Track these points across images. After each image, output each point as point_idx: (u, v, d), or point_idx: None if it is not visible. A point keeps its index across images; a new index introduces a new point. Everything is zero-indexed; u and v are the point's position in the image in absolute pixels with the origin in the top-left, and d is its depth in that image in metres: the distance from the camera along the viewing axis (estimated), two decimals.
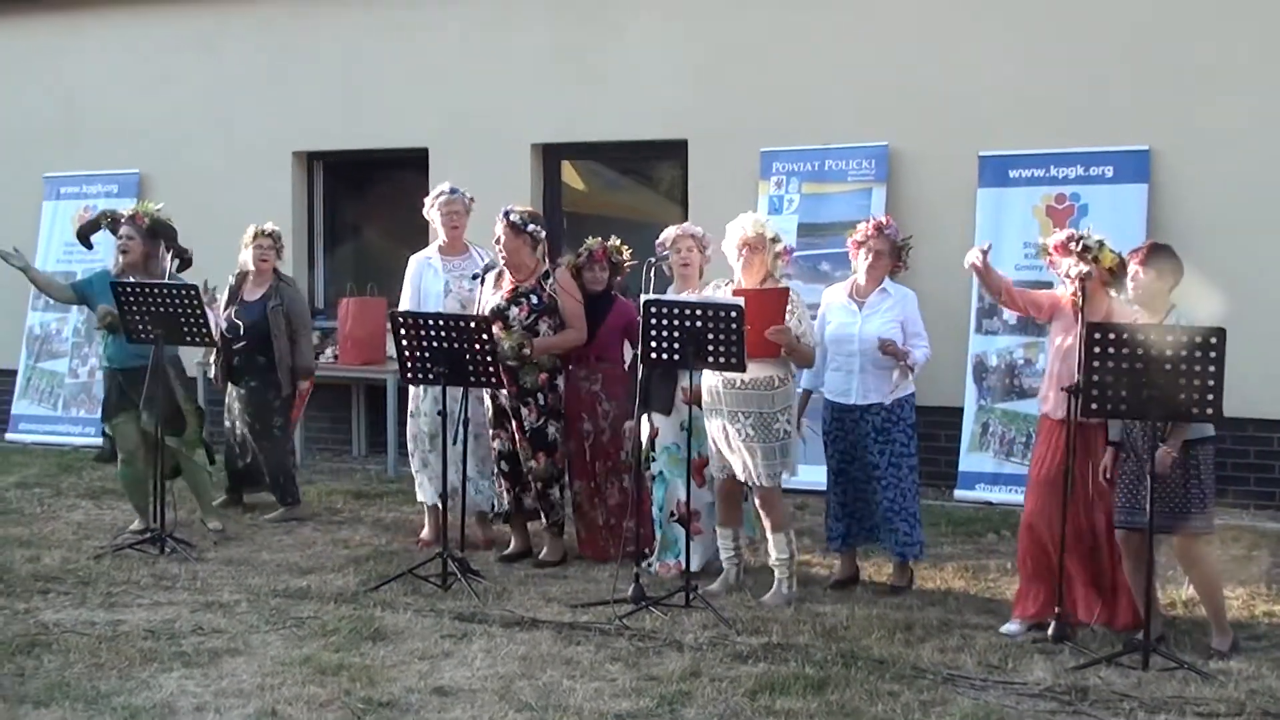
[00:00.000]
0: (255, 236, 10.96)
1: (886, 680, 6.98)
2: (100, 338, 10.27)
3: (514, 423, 9.50)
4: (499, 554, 9.76)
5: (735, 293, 8.51)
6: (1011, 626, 7.92)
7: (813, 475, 10.90)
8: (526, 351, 9.29)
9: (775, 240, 8.67)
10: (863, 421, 8.75)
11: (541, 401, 9.47)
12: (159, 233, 10.36)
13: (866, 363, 8.71)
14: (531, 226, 9.49)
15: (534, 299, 9.44)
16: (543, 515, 9.66)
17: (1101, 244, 7.87)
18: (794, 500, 11.00)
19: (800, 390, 9.03)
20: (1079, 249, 7.83)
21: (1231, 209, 11.02)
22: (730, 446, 8.58)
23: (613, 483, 9.58)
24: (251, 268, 10.97)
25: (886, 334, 8.65)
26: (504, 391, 9.38)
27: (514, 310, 9.40)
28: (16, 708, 6.48)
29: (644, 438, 8.82)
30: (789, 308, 8.46)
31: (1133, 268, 7.60)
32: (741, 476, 8.59)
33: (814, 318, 8.88)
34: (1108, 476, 7.67)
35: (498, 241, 9.48)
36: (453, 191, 10.19)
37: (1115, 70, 11.52)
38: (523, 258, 9.51)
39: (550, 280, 9.50)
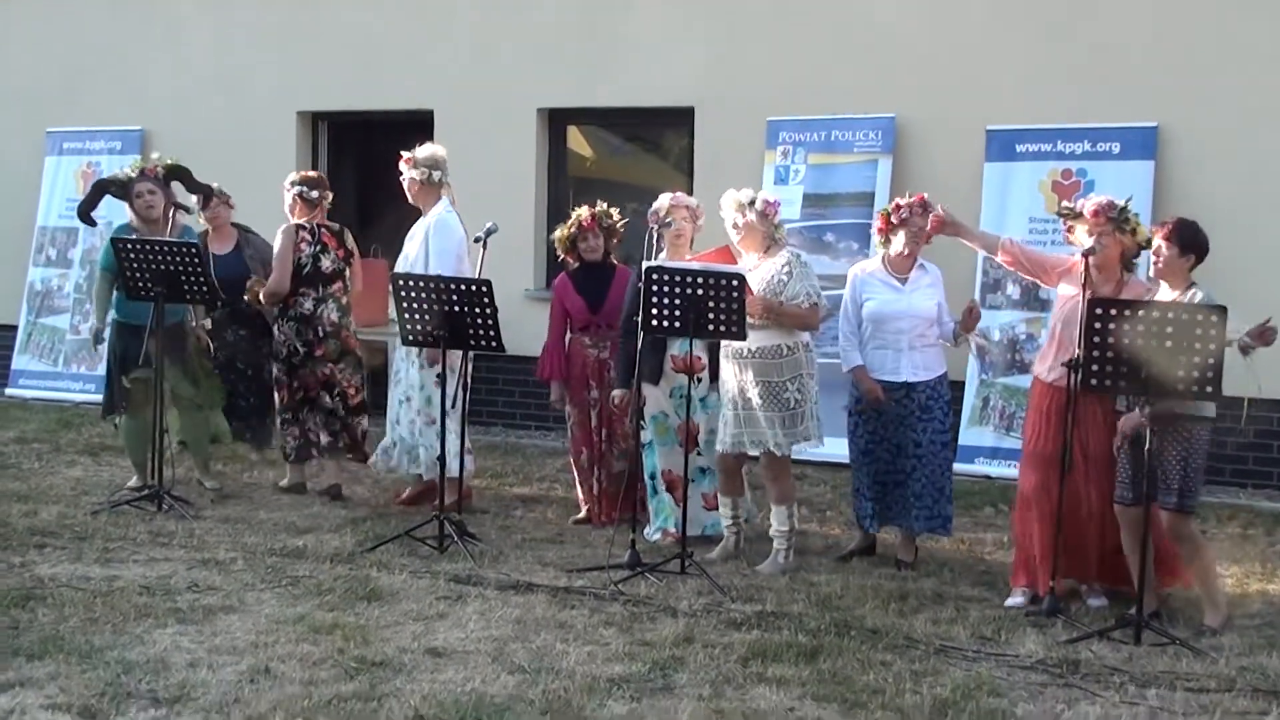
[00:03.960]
0: None
1: (879, 650, 6.99)
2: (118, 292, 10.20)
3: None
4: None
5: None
6: (1017, 599, 7.94)
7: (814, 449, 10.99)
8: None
9: (751, 204, 8.62)
10: (908, 399, 8.71)
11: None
12: (175, 177, 10.38)
13: (915, 340, 8.68)
14: (297, 189, 10.44)
15: None
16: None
17: (1138, 216, 7.96)
18: (794, 470, 11.01)
19: (857, 367, 8.85)
20: (1118, 216, 7.86)
21: (1238, 187, 10.98)
22: (741, 419, 8.59)
23: (615, 451, 9.59)
24: (208, 226, 11.08)
25: (931, 311, 8.67)
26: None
27: None
28: (10, 660, 6.48)
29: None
30: (786, 268, 8.48)
31: (1157, 241, 7.60)
32: (750, 449, 8.61)
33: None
34: (1119, 446, 7.67)
35: None
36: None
37: (1125, 46, 11.48)
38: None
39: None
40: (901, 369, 8.72)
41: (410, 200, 10.00)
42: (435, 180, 9.97)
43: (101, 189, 10.53)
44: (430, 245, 9.76)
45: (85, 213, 10.62)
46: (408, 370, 9.97)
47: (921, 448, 8.71)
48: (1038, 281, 8.57)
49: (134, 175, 10.32)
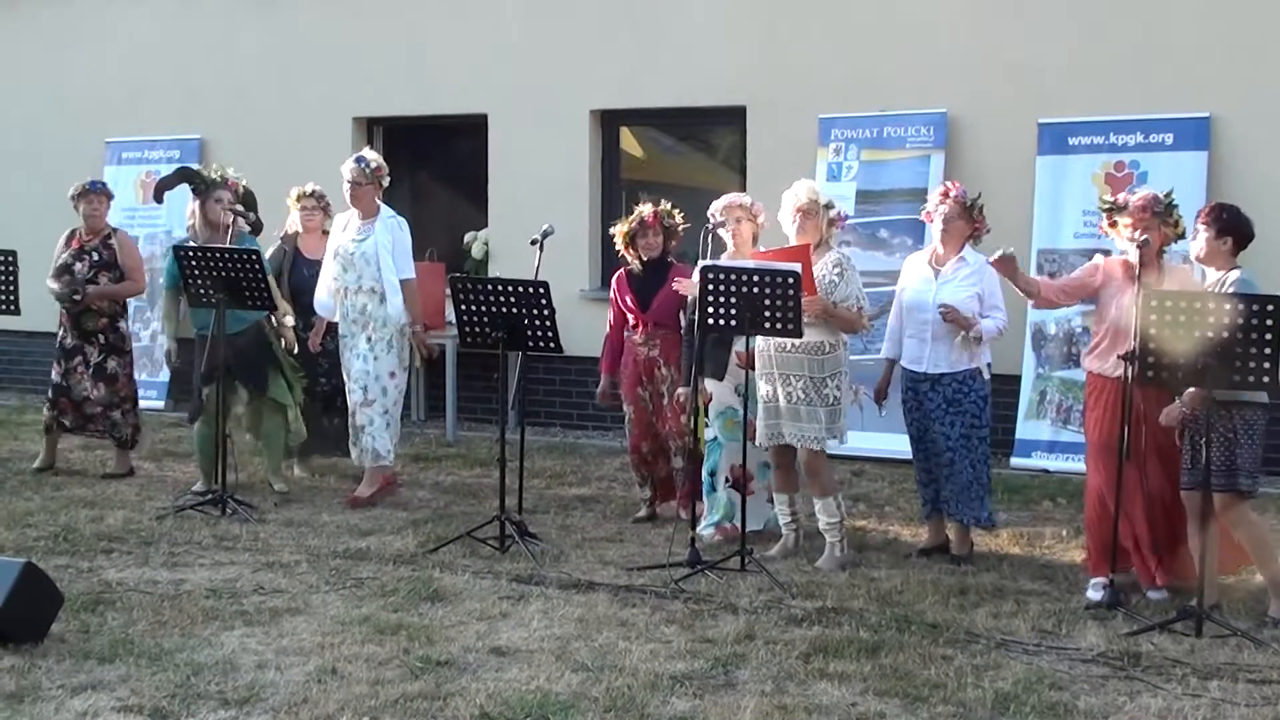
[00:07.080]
0: (299, 198, 11.19)
1: (940, 645, 7.02)
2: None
3: (78, 358, 11.19)
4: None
5: (754, 256, 8.74)
6: (1094, 594, 7.89)
7: (874, 442, 11.09)
8: (78, 297, 10.95)
9: (829, 207, 8.69)
10: (933, 392, 8.69)
11: (103, 341, 11.17)
12: (244, 201, 10.52)
13: (940, 331, 8.63)
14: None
15: (95, 255, 11.11)
16: (109, 433, 11.36)
17: (1179, 208, 8.01)
18: (851, 466, 11.08)
19: (885, 359, 9.03)
20: (1163, 210, 7.90)
21: None
22: (780, 411, 8.62)
23: (672, 446, 9.63)
24: (300, 229, 11.18)
25: (961, 303, 8.57)
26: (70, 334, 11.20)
27: (78, 265, 11.07)
28: (82, 663, 6.59)
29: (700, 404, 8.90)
30: (837, 269, 8.51)
31: (1197, 226, 7.60)
32: (790, 441, 8.64)
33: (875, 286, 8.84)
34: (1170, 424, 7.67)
35: None
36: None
37: (1175, 36, 11.44)
38: (97, 223, 11.21)
39: (111, 238, 11.19)
40: (924, 359, 8.72)
41: (353, 200, 10.33)
42: (384, 185, 10.49)
43: (185, 176, 10.79)
44: (395, 243, 10.34)
45: (160, 191, 10.97)
46: (352, 362, 10.29)
47: (953, 441, 8.66)
48: (1091, 299, 8.49)
49: (220, 179, 10.51)
